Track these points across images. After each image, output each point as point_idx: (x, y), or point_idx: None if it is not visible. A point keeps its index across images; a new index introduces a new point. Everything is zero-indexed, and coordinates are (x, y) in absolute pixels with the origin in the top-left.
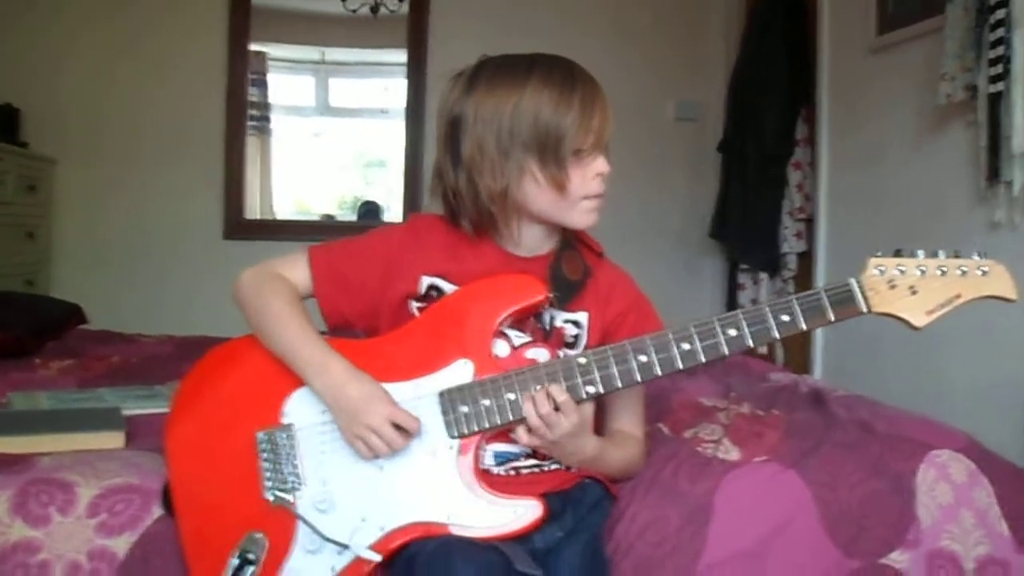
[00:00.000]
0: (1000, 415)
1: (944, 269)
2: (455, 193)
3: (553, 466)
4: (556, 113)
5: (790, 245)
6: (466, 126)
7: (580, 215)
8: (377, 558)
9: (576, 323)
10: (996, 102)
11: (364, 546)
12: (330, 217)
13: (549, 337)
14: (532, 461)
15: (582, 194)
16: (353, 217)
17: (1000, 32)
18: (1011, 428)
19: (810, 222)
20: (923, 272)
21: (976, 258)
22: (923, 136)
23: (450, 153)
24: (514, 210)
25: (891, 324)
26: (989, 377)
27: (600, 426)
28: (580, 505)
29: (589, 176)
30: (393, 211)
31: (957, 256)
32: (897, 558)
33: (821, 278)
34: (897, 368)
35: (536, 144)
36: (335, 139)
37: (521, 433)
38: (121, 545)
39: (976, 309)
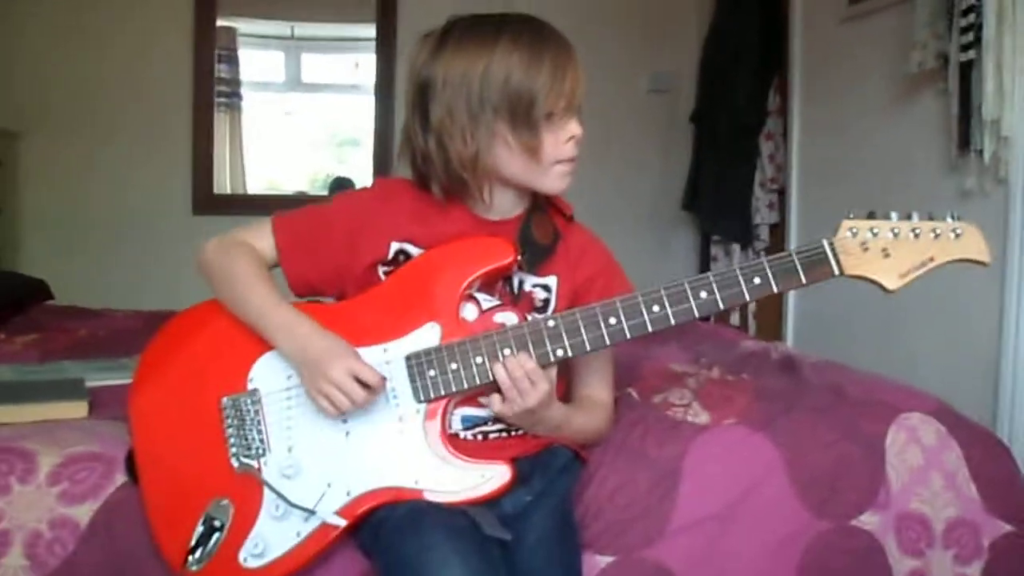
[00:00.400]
0: (969, 382)
1: (917, 231)
2: (424, 157)
3: (521, 431)
4: (527, 75)
5: (762, 216)
6: (435, 90)
7: (553, 180)
8: (342, 523)
9: (545, 287)
10: (967, 70)
11: (330, 511)
12: (303, 194)
13: (518, 301)
14: (500, 425)
15: (555, 158)
16: (325, 193)
17: (971, 0)
18: (980, 395)
19: (782, 193)
20: (896, 234)
21: (950, 221)
22: (895, 105)
23: (419, 117)
24: (485, 174)
25: (863, 293)
26: (959, 344)
27: (568, 391)
28: (549, 469)
29: (562, 140)
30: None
31: (931, 219)
32: (867, 520)
33: None
34: (868, 337)
35: (507, 107)
36: (307, 116)
37: (495, 400)
38: (84, 513)
39: (946, 276)
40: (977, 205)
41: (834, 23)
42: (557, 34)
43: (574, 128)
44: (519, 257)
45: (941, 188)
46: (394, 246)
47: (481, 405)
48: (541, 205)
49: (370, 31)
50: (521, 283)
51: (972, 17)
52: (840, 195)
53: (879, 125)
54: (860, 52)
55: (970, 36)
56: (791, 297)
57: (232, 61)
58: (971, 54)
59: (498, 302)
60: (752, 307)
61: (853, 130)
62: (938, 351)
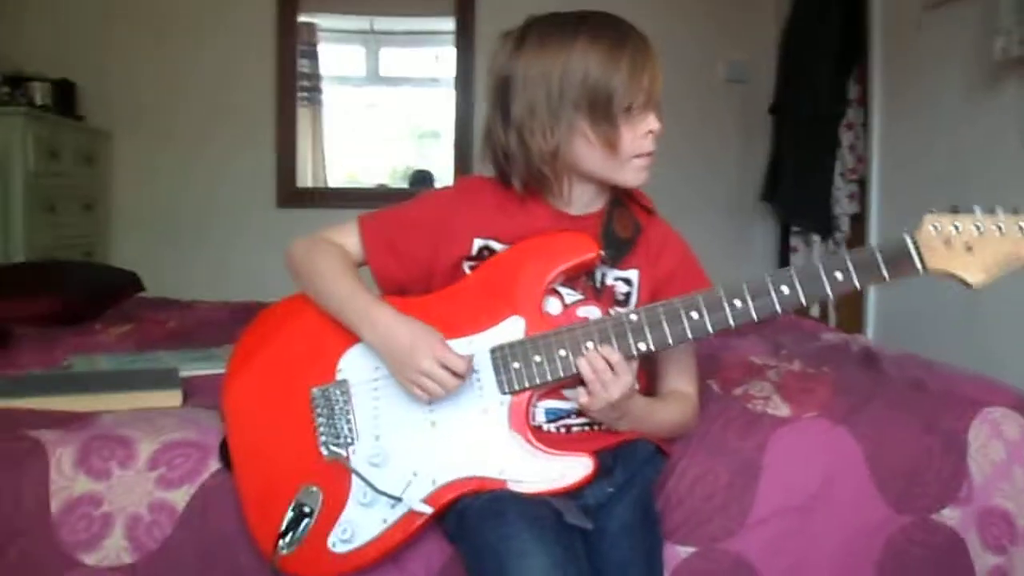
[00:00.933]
0: None
1: (1002, 226)
2: (506, 153)
3: (604, 425)
4: (605, 71)
5: (843, 207)
6: (516, 86)
7: (631, 173)
8: (428, 510)
9: (627, 280)
10: None
11: (416, 499)
12: (383, 187)
13: (600, 295)
14: (583, 419)
15: (633, 152)
16: (405, 186)
17: None
18: None
19: (863, 183)
20: (980, 230)
21: None
22: (978, 94)
23: (500, 113)
24: (565, 169)
25: (944, 286)
26: None
27: (651, 386)
28: (631, 461)
29: (640, 134)
30: (445, 181)
31: (1016, 213)
32: (949, 515)
33: (874, 240)
34: (950, 331)
35: (587, 103)
36: (386, 109)
37: (580, 393)
38: (180, 498)
39: None
40: None
41: (916, 10)
42: (635, 31)
43: (652, 123)
44: (602, 252)
45: None
46: (478, 242)
47: (565, 398)
48: (621, 199)
49: (449, 24)
50: (603, 277)
51: None
52: (921, 185)
53: (962, 114)
54: (942, 40)
55: None
56: (872, 290)
57: (313, 56)
58: None
59: (581, 296)
60: (832, 299)
61: (935, 119)
62: (1019, 346)
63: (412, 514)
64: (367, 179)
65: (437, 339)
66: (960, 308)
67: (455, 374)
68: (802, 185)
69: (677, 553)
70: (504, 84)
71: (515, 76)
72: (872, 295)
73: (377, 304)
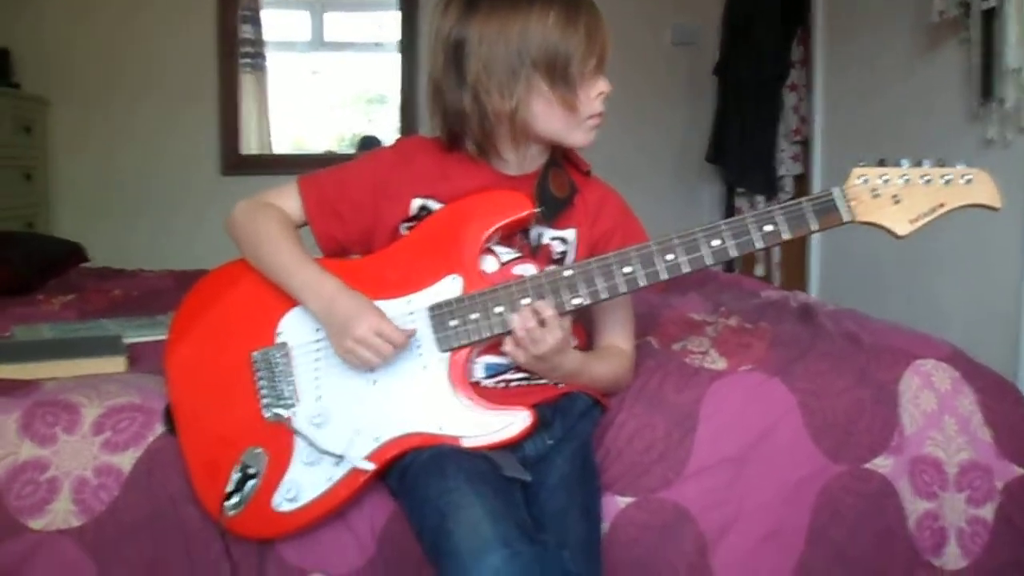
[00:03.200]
0: (991, 332)
1: (928, 178)
2: (458, 114)
3: (543, 380)
4: (564, 34)
5: (787, 167)
6: (470, 48)
7: (583, 134)
8: (371, 467)
9: (563, 240)
10: (989, 19)
11: (359, 457)
12: (330, 153)
13: (536, 253)
14: (521, 374)
15: (588, 113)
16: (352, 152)
17: None
18: (1001, 345)
19: (806, 144)
20: (907, 181)
21: (960, 167)
22: (917, 55)
23: (452, 74)
24: (519, 130)
25: (886, 244)
26: (981, 295)
27: (589, 343)
28: (569, 414)
29: (593, 95)
30: None
31: (942, 165)
32: (881, 463)
33: None
34: (891, 288)
35: (545, 65)
36: (332, 75)
37: (509, 345)
38: (126, 461)
39: (968, 226)
40: (999, 154)
41: None
42: None
43: (603, 85)
44: (537, 210)
45: (963, 137)
46: (416, 202)
47: (503, 354)
48: (558, 160)
49: None
50: (540, 236)
51: None
52: (863, 145)
53: (901, 75)
54: (882, 1)
55: None
56: (815, 248)
57: (256, 22)
58: (993, 2)
59: (517, 255)
60: (777, 258)
61: (876, 80)
62: (960, 301)
63: (356, 472)
64: (314, 146)
65: (376, 310)
66: (901, 264)
67: (391, 343)
68: (747, 146)
69: (616, 503)
70: (456, 46)
71: (468, 39)
72: (815, 254)
73: (319, 272)
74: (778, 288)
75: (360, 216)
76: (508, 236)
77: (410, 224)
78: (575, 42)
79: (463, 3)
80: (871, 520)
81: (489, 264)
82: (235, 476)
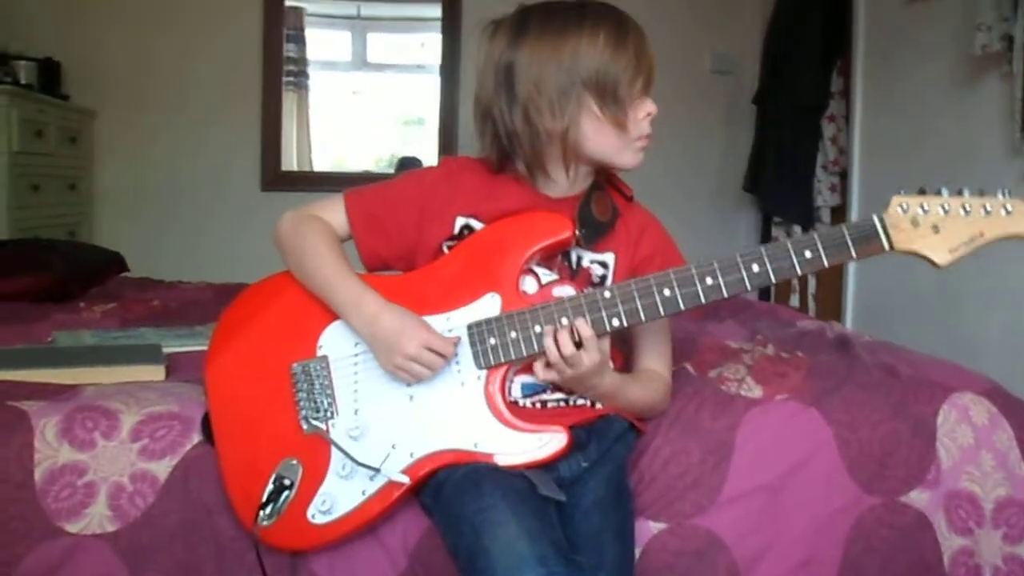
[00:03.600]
0: None
1: (968, 207)
2: (510, 135)
3: (580, 401)
4: (613, 56)
5: (824, 198)
6: (521, 69)
7: (632, 155)
8: (405, 480)
9: (603, 263)
10: None
11: (395, 471)
12: (368, 173)
13: (576, 276)
14: (559, 395)
15: (636, 134)
16: (390, 172)
17: None
18: None
19: (844, 175)
20: (946, 210)
21: (1000, 197)
22: (958, 88)
23: (504, 96)
24: (569, 150)
25: (923, 276)
26: (1020, 331)
27: (627, 366)
28: (605, 437)
29: (641, 116)
30: None
31: (982, 195)
32: (916, 497)
33: None
34: (928, 321)
35: (596, 86)
36: (372, 95)
37: (539, 367)
38: (162, 469)
39: (1007, 261)
40: None
41: (898, 4)
42: (632, 20)
43: (651, 106)
44: (576, 232)
45: (1004, 171)
46: (459, 221)
47: None
48: (601, 184)
49: (435, 11)
50: (580, 259)
51: None
52: (902, 178)
53: (942, 108)
54: (924, 34)
55: None
56: (851, 279)
57: (300, 41)
58: None
59: (556, 276)
60: (812, 288)
61: (916, 112)
62: (997, 336)
63: (390, 485)
64: (352, 164)
65: (422, 324)
66: (937, 297)
67: (440, 355)
68: (784, 176)
69: (649, 528)
70: (508, 68)
71: (519, 61)
72: (851, 285)
73: (362, 289)
74: (814, 318)
75: (404, 233)
76: (548, 258)
77: (452, 243)
78: (624, 63)
79: (513, 27)
80: (905, 554)
81: (529, 285)
82: (270, 487)
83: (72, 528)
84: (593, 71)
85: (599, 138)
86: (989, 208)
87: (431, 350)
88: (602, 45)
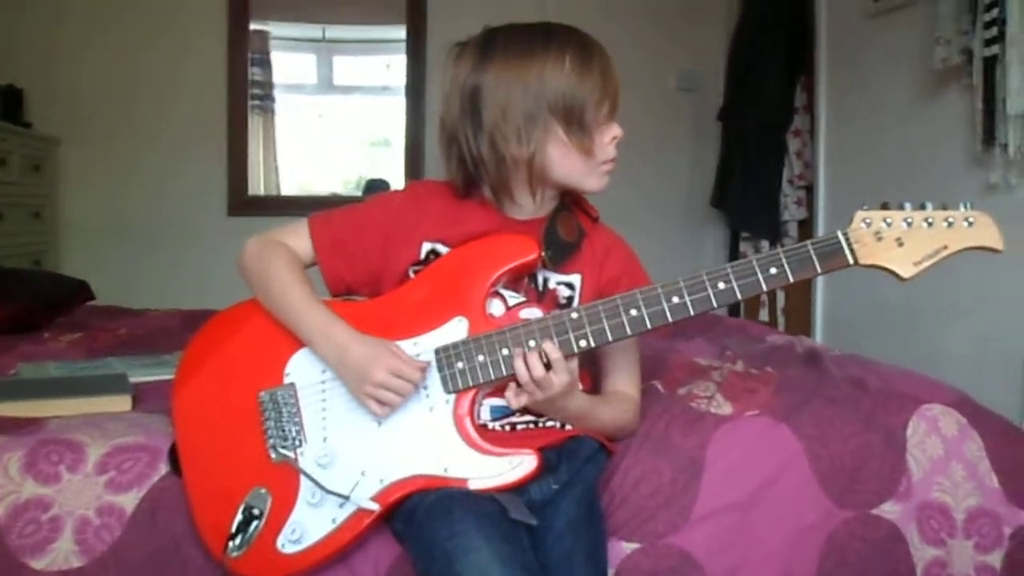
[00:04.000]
0: (998, 379)
1: (931, 220)
2: (476, 161)
3: (549, 423)
4: (580, 81)
5: (791, 213)
6: (487, 94)
7: (597, 179)
8: (375, 507)
9: (569, 285)
10: (991, 65)
11: (364, 497)
12: (335, 195)
13: (543, 298)
14: (528, 417)
15: (602, 158)
16: (359, 195)
17: None
18: (1008, 392)
19: (810, 189)
20: (909, 224)
21: (963, 209)
22: (920, 101)
23: (470, 121)
24: (535, 175)
25: (890, 290)
26: (987, 341)
27: (596, 389)
28: (575, 458)
29: (607, 140)
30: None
31: (944, 208)
32: (889, 509)
33: None
34: (896, 334)
35: (562, 111)
36: (339, 118)
37: (510, 394)
38: (129, 501)
39: (973, 273)
40: (1002, 199)
41: (859, 19)
42: (598, 43)
43: (616, 130)
44: (542, 254)
45: (967, 182)
46: (426, 246)
47: None
48: (567, 205)
49: (400, 33)
50: (546, 281)
51: (996, 12)
52: (867, 191)
53: (905, 121)
54: (885, 48)
55: (994, 31)
56: (819, 294)
57: (265, 64)
58: (995, 49)
59: (523, 298)
60: (781, 303)
61: (879, 125)
62: (966, 348)
63: (361, 513)
64: (320, 187)
65: (390, 351)
66: (904, 310)
67: (408, 381)
68: (750, 191)
69: (622, 549)
70: (474, 93)
71: (485, 85)
72: (819, 298)
73: (330, 318)
74: (783, 333)
75: (369, 258)
76: (515, 280)
77: (419, 268)
78: (590, 87)
79: (478, 50)
80: (879, 567)
81: (496, 308)
82: (239, 517)
83: (37, 565)
84: (559, 95)
85: (565, 163)
86: (951, 220)
87: (399, 377)
88: (568, 69)
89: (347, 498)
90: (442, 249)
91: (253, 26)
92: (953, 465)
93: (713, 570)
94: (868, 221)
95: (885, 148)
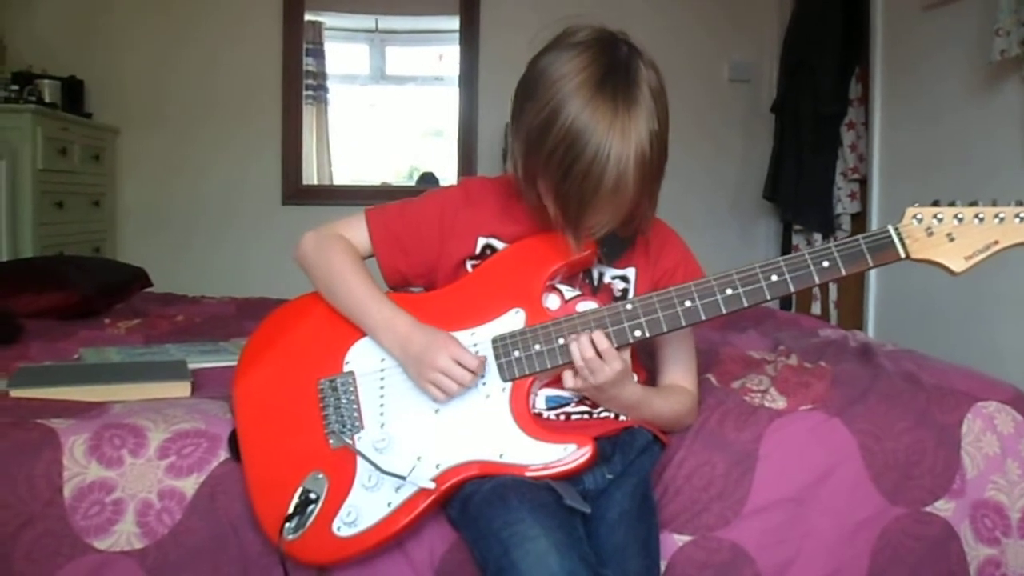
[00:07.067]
0: None
1: (981, 216)
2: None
3: (603, 413)
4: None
5: (844, 206)
6: (557, 127)
7: None
8: (432, 485)
9: (624, 278)
10: None
11: (423, 478)
12: (387, 185)
13: (598, 292)
14: (583, 407)
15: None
16: (409, 184)
17: None
18: None
19: (864, 182)
20: (960, 220)
21: (1014, 205)
22: (977, 94)
23: (538, 137)
24: None
25: (943, 284)
26: None
27: (651, 381)
28: (629, 449)
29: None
30: (449, 180)
31: (995, 204)
32: (942, 506)
33: None
34: (949, 328)
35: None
36: (391, 108)
37: (567, 376)
38: (189, 485)
39: None
40: None
41: (916, 11)
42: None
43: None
44: (597, 251)
45: (1022, 177)
46: (481, 241)
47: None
48: None
49: (453, 23)
50: (601, 275)
51: None
52: (921, 184)
53: (961, 114)
54: (942, 40)
55: None
56: (872, 287)
57: (319, 55)
58: None
59: (579, 292)
60: (833, 296)
61: (935, 119)
62: (1020, 344)
63: (416, 496)
64: (372, 177)
65: (451, 340)
66: (958, 305)
67: (469, 370)
68: (804, 184)
69: (674, 541)
70: (550, 117)
71: (561, 117)
72: (872, 294)
73: (393, 310)
74: (836, 327)
75: (425, 251)
76: (570, 275)
77: (475, 262)
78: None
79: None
80: (931, 565)
81: (552, 302)
82: (296, 500)
83: (101, 545)
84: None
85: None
86: (1002, 216)
87: (460, 364)
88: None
89: (404, 479)
90: (497, 244)
91: (307, 17)
92: (1009, 463)
93: (765, 564)
94: (919, 217)
95: (939, 141)
